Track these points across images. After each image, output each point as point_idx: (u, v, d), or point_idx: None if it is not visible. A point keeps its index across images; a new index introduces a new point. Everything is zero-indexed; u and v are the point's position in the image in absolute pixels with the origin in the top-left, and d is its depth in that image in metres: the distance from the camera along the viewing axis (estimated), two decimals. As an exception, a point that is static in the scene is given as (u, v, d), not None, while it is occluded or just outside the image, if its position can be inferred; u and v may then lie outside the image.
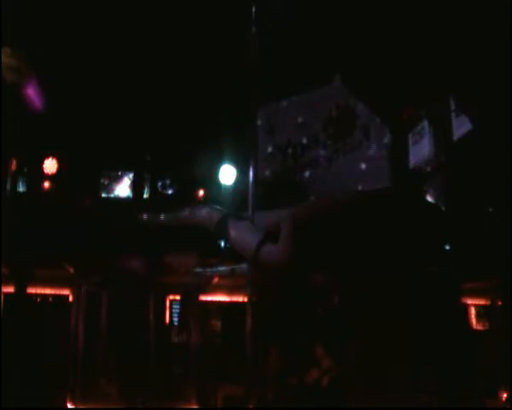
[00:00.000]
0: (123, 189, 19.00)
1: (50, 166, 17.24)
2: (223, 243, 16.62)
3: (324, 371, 11.63)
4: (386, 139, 9.75)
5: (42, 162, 17.35)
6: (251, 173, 8.60)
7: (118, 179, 19.05)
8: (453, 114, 8.69)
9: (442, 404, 12.19)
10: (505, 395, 12.25)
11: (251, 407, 8.71)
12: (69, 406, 13.15)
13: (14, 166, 17.67)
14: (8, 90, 11.24)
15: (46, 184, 18.08)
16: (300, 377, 11.40)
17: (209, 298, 18.80)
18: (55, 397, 13.65)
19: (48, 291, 19.51)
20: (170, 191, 18.74)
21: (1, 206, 15.51)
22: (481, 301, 18.04)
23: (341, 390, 11.88)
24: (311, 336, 13.99)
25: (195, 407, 13.56)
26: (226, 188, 16.39)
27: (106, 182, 19.05)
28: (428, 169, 11.17)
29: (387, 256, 13.08)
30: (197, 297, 17.07)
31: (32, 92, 12.50)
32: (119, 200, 18.64)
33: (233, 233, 9.01)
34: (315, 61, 10.83)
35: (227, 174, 16.25)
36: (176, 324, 18.33)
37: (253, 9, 8.62)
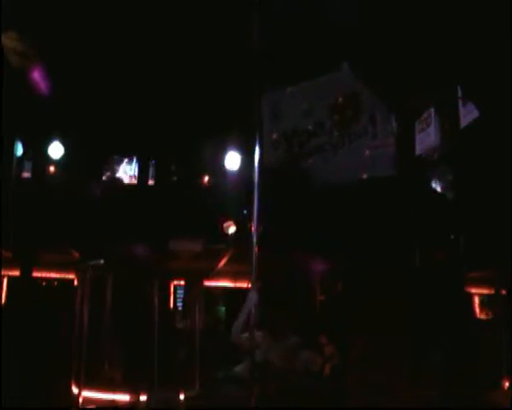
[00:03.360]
0: (128, 174, 19.03)
1: (56, 150, 17.25)
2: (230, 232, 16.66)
3: (327, 358, 11.64)
4: (393, 127, 9.72)
5: (47, 146, 17.37)
6: (256, 160, 8.57)
7: (123, 165, 19.07)
8: (460, 102, 8.66)
9: (443, 396, 12.20)
10: (507, 384, 12.27)
11: (255, 393, 8.72)
12: (74, 390, 13.19)
13: (19, 150, 17.70)
14: (13, 74, 11.23)
15: (51, 168, 18.12)
16: (304, 363, 11.40)
17: (213, 284, 18.85)
18: (60, 381, 13.70)
19: (53, 275, 19.60)
20: (175, 177, 18.75)
21: (7, 190, 15.54)
22: (485, 291, 18.05)
23: (343, 379, 11.92)
24: (314, 322, 14.01)
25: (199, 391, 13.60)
26: (231, 174, 16.41)
27: (111, 167, 19.07)
28: (435, 157, 11.14)
29: (393, 244, 13.08)
30: (201, 283, 17.10)
31: (37, 76, 12.48)
32: (124, 185, 18.67)
33: None
34: (322, 48, 10.79)
35: (232, 160, 16.26)
36: (180, 309, 18.39)
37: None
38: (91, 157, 18.32)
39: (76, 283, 17.25)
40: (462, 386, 11.81)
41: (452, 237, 13.79)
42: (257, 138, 8.82)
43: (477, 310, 18.23)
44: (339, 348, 11.86)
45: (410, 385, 12.62)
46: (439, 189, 12.50)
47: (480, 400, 11.36)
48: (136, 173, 18.81)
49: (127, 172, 18.94)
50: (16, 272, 17.54)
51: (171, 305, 18.26)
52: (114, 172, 18.88)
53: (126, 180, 18.84)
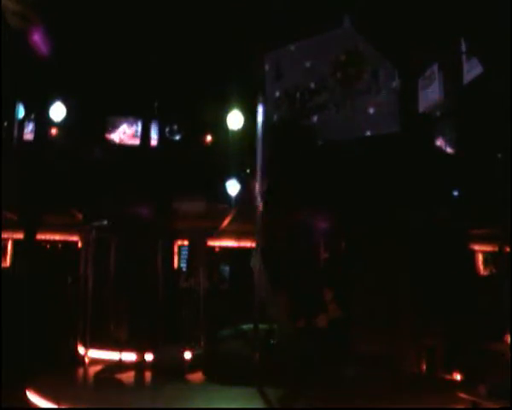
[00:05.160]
0: (131, 135, 18.98)
1: (58, 112, 17.16)
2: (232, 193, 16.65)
3: (332, 314, 11.74)
4: (396, 84, 9.68)
5: (49, 108, 17.29)
6: (259, 118, 8.54)
7: (125, 125, 19.01)
8: (464, 57, 8.59)
9: (448, 347, 12.31)
10: (509, 339, 12.38)
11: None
12: (80, 350, 13.31)
13: (21, 112, 17.64)
14: (13, 35, 11.17)
15: (53, 131, 18.05)
16: (308, 320, 11.50)
17: (217, 243, 18.90)
18: (66, 342, 13.81)
19: (57, 237, 19.67)
20: (177, 137, 18.67)
21: (9, 152, 15.53)
22: (489, 248, 18.08)
23: (348, 333, 12.02)
24: (319, 280, 14.05)
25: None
26: (234, 133, 16.31)
27: (113, 128, 19.01)
28: (438, 114, 11.08)
29: (395, 202, 13.07)
30: (205, 242, 17.16)
31: (37, 38, 12.40)
32: (126, 146, 18.63)
33: None
34: (323, 4, 10.67)
35: (235, 119, 16.15)
36: (184, 269, 18.47)
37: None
38: (93, 118, 18.25)
39: (80, 244, 17.34)
40: (466, 339, 11.91)
41: (456, 193, 13.76)
42: (260, 97, 8.80)
43: (481, 267, 18.29)
44: (343, 305, 11.96)
45: (415, 337, 12.72)
46: (442, 145, 12.43)
47: (483, 350, 11.47)
48: (139, 134, 18.73)
49: (130, 132, 18.89)
50: (20, 235, 17.57)
51: (176, 265, 18.32)
52: (117, 133, 18.83)
53: (129, 141, 18.79)
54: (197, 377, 11.42)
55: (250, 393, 8.90)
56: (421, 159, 12.56)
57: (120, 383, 11.00)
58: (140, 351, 12.76)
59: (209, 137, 18.34)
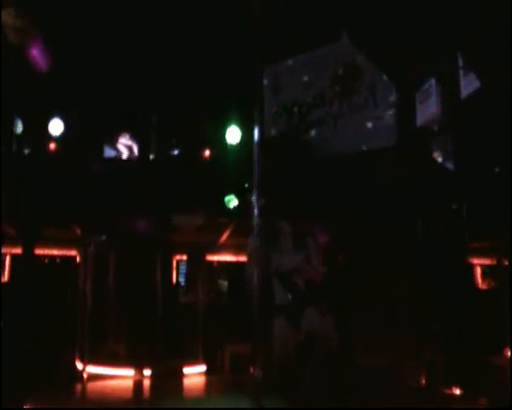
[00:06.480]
0: (129, 149, 18.96)
1: (56, 126, 17.18)
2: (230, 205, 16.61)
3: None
4: (393, 98, 9.71)
5: (47, 123, 17.30)
6: (256, 133, 8.52)
7: (123, 139, 19.00)
8: (461, 72, 8.63)
9: (447, 360, 12.30)
10: (509, 352, 12.39)
11: (258, 364, 8.76)
12: (78, 365, 13.28)
13: (19, 127, 17.65)
14: (12, 50, 11.19)
15: (52, 145, 18.04)
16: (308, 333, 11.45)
17: (216, 258, 18.88)
18: (64, 357, 13.78)
19: (55, 252, 19.62)
20: (175, 151, 18.65)
21: (7, 167, 15.52)
22: (487, 261, 18.06)
23: (346, 346, 11.99)
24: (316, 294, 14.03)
25: (202, 365, 13.68)
26: (232, 147, 16.32)
27: (111, 142, 18.99)
28: (435, 128, 11.11)
29: (394, 215, 13.08)
30: (203, 257, 17.12)
31: (37, 53, 12.43)
32: (124, 160, 18.61)
33: None
34: (321, 18, 10.71)
35: (233, 134, 16.17)
36: (182, 284, 18.45)
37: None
38: (92, 133, 18.25)
39: (78, 259, 17.31)
40: (465, 353, 11.91)
41: (454, 207, 13.78)
42: (257, 111, 8.80)
43: (479, 280, 18.26)
44: (342, 318, 11.93)
45: (414, 351, 12.73)
46: (440, 159, 12.45)
47: (483, 363, 11.47)
48: (137, 148, 18.72)
49: (128, 146, 18.88)
50: (18, 250, 17.54)
51: (174, 279, 18.29)
52: (115, 147, 18.81)
53: (127, 155, 18.78)
54: (196, 392, 11.40)
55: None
56: (419, 173, 12.59)
57: (119, 398, 10.97)
58: (139, 366, 12.73)
59: (207, 152, 18.33)
